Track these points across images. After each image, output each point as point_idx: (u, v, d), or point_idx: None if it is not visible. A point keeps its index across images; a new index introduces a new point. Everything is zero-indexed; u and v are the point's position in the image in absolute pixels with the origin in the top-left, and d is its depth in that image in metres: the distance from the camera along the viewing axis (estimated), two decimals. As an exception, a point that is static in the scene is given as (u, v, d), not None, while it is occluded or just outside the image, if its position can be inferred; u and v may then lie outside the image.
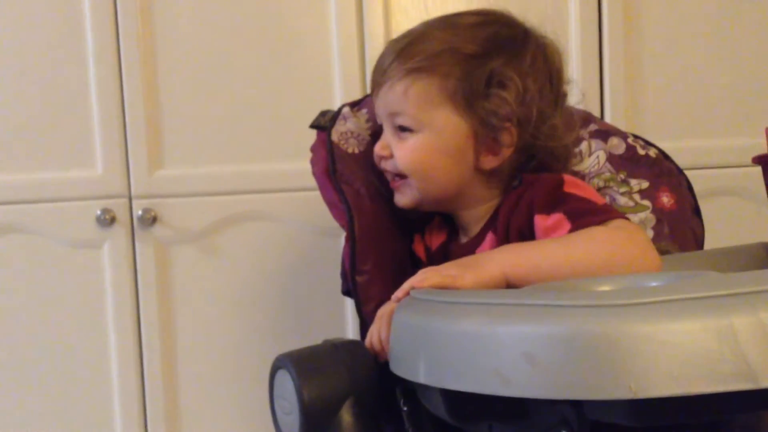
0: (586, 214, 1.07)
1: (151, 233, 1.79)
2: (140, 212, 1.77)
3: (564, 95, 1.22)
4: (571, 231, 1.06)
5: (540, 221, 1.10)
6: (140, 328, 1.80)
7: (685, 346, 0.75)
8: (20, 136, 1.77)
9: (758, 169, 1.34)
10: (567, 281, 0.97)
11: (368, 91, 1.79)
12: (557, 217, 1.08)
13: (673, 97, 1.92)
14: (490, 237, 1.18)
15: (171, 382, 1.82)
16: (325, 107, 1.80)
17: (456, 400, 0.90)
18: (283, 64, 1.83)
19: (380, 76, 1.19)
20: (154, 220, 1.78)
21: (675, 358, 0.75)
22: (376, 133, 1.29)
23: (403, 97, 1.16)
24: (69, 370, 1.79)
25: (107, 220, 1.76)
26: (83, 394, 1.80)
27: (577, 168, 1.31)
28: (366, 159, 1.27)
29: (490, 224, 1.20)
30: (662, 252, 1.24)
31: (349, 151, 1.27)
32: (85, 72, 1.77)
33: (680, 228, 1.29)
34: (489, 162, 1.18)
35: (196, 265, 1.83)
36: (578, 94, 1.29)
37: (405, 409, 1.04)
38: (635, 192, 1.30)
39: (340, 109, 1.33)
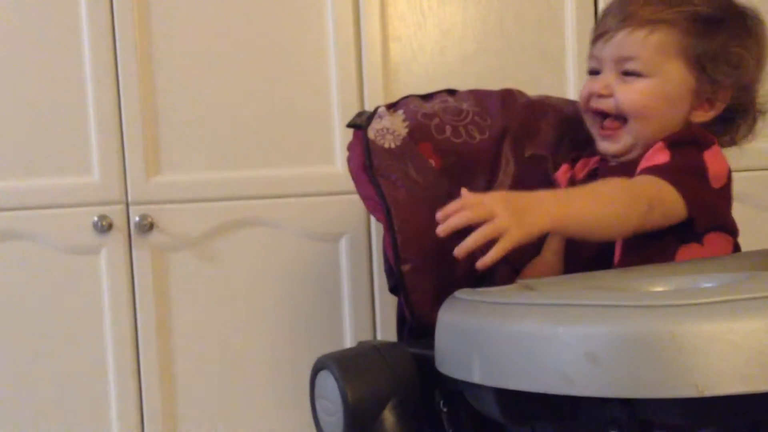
0: (682, 172, 1.15)
1: (148, 239, 1.78)
2: (137, 218, 1.76)
3: (764, 69, 1.31)
4: (663, 165, 1.15)
5: (655, 149, 1.19)
6: (137, 334, 1.79)
7: (751, 344, 0.77)
8: (17, 142, 1.75)
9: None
10: (619, 281, 0.98)
11: (366, 97, 1.82)
12: (665, 154, 1.18)
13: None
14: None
15: (168, 388, 1.81)
16: (322, 114, 1.83)
17: (509, 399, 0.91)
18: (280, 70, 1.83)
19: (620, 20, 1.25)
20: (151, 226, 1.77)
21: (741, 356, 0.77)
22: (413, 131, 1.31)
23: (642, 42, 1.23)
24: (66, 377, 1.78)
25: (104, 226, 1.75)
26: (80, 400, 1.78)
27: None
28: (402, 152, 1.29)
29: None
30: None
31: (386, 146, 1.29)
32: (81, 78, 1.75)
33: None
34: (700, 116, 1.26)
35: (193, 272, 1.82)
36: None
37: (444, 410, 1.05)
38: None
39: (376, 109, 1.34)
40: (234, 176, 1.82)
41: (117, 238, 1.77)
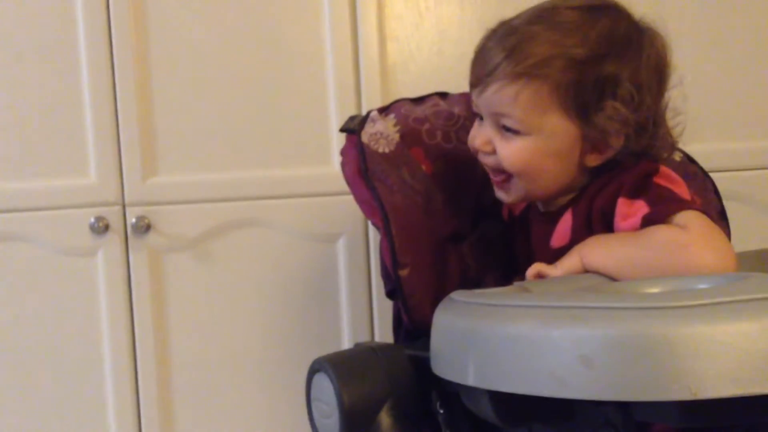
0: (665, 201, 1.09)
1: (144, 241, 1.78)
2: (134, 220, 1.76)
3: (668, 81, 1.21)
4: (647, 215, 1.08)
5: (622, 204, 1.12)
6: (134, 336, 1.79)
7: (745, 347, 0.77)
8: (13, 144, 1.75)
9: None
10: (615, 283, 0.98)
11: (363, 97, 1.82)
12: (639, 203, 1.11)
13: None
14: (569, 214, 1.20)
15: (165, 390, 1.81)
16: (319, 114, 1.83)
17: (504, 401, 0.91)
18: (277, 71, 1.83)
19: (486, 74, 1.16)
20: (148, 227, 1.77)
21: (735, 358, 0.77)
22: (404, 135, 1.31)
23: (512, 101, 1.14)
24: (63, 379, 1.77)
25: (101, 227, 1.75)
26: (77, 402, 1.78)
27: None
28: (396, 157, 1.28)
29: (573, 202, 1.21)
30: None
31: (380, 150, 1.28)
32: (78, 79, 1.75)
33: None
34: (593, 160, 1.18)
35: (191, 273, 1.81)
36: (675, 78, 1.24)
37: (441, 411, 1.05)
38: None
39: (368, 113, 1.34)
40: (231, 177, 1.82)
41: (113, 239, 1.77)
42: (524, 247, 1.28)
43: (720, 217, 1.35)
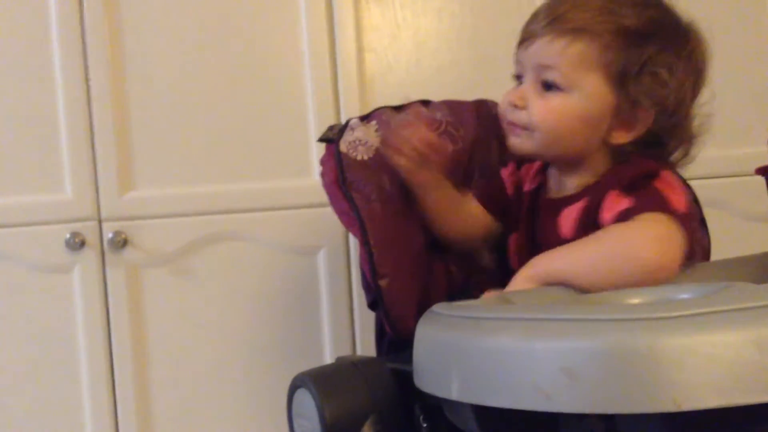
0: (649, 203, 1.10)
1: (121, 256, 1.76)
2: (110, 235, 1.74)
3: (700, 92, 1.24)
4: (623, 210, 1.10)
5: (612, 196, 1.13)
6: (112, 352, 1.77)
7: (728, 357, 0.76)
8: (-14, 159, 1.74)
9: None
10: (596, 294, 0.98)
11: (342, 108, 1.81)
12: (627, 201, 1.12)
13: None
14: (584, 201, 1.19)
15: (144, 406, 1.79)
16: (297, 127, 1.82)
17: (487, 415, 0.91)
18: (255, 83, 1.82)
19: (538, 29, 1.18)
20: (125, 242, 1.75)
21: (718, 369, 0.76)
22: (385, 141, 1.30)
23: (561, 52, 1.16)
24: (40, 396, 1.75)
25: (77, 243, 1.73)
26: (55, 420, 1.76)
27: None
28: (375, 164, 1.28)
29: (589, 191, 1.20)
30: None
31: (358, 158, 1.28)
32: (52, 94, 1.74)
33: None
34: (619, 137, 1.19)
35: (168, 288, 1.80)
36: (708, 94, 1.27)
37: (424, 425, 1.04)
38: None
39: (347, 122, 1.34)
40: (209, 190, 1.80)
41: (90, 255, 1.75)
42: (529, 244, 1.27)
43: (700, 225, 1.35)
